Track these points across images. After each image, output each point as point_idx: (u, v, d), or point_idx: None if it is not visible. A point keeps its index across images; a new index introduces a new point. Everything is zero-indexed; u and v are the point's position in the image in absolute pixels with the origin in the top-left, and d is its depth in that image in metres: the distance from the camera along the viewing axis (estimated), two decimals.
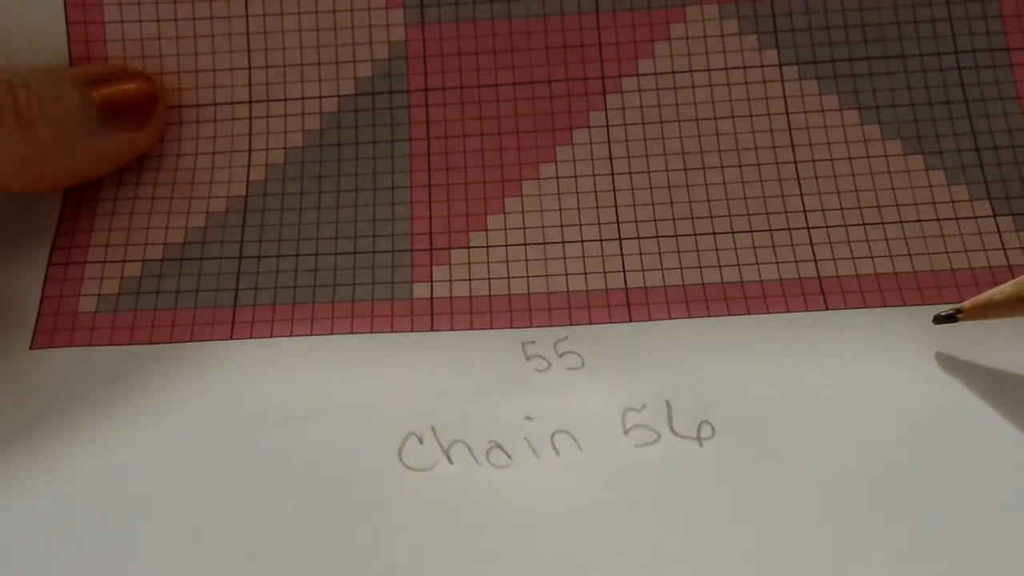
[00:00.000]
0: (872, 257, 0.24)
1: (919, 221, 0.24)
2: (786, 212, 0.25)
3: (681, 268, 0.24)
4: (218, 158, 0.26)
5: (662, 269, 0.24)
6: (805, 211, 0.25)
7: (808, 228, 0.24)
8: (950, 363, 0.22)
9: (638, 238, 0.25)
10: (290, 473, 0.21)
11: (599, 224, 0.25)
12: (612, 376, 0.23)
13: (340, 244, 0.25)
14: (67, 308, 0.24)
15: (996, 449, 0.21)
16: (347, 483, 0.21)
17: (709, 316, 0.23)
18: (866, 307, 0.23)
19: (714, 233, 0.25)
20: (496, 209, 0.25)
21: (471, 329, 0.24)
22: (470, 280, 0.24)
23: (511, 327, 0.24)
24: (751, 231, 0.24)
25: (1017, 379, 0.22)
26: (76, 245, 0.25)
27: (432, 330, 0.24)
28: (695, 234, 0.25)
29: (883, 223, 0.24)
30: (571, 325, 0.24)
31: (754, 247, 0.24)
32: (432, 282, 0.24)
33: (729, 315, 0.23)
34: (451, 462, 0.21)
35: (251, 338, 0.23)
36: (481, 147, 0.26)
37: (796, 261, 0.24)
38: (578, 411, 0.22)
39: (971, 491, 0.20)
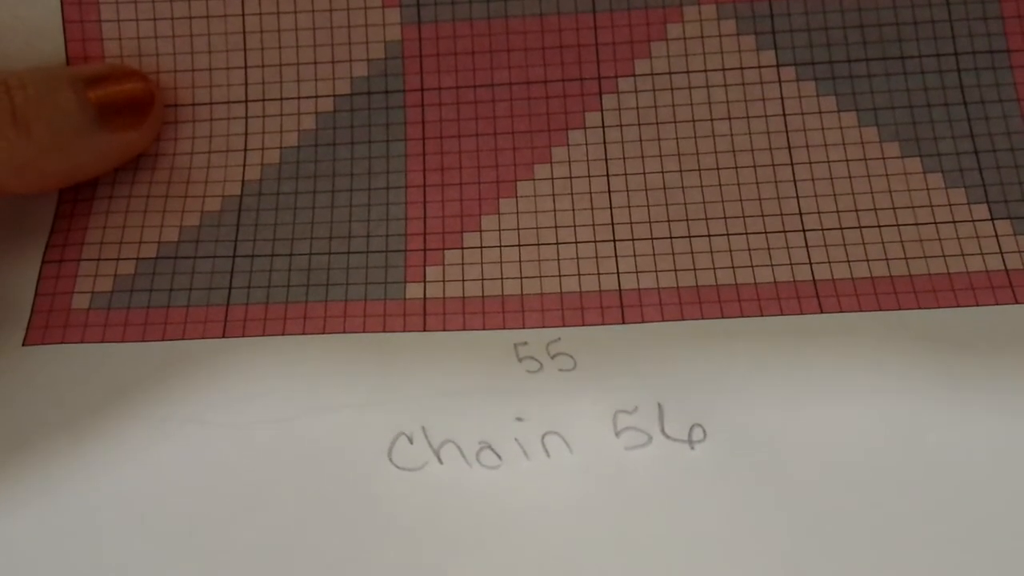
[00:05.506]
0: (868, 260, 0.24)
1: (916, 224, 0.24)
2: (782, 214, 0.24)
3: (675, 270, 0.24)
4: (214, 157, 0.26)
5: (656, 271, 0.24)
6: (801, 213, 0.24)
7: (804, 231, 0.24)
8: (943, 367, 0.22)
9: (632, 239, 0.24)
10: (280, 472, 0.21)
11: (593, 225, 0.25)
12: (604, 378, 0.22)
13: (334, 244, 0.25)
14: (60, 305, 0.24)
15: (989, 453, 0.21)
16: (337, 482, 0.21)
17: (703, 318, 0.23)
18: (861, 310, 0.23)
19: (709, 235, 0.24)
20: (491, 209, 0.25)
21: (463, 330, 0.23)
22: (463, 281, 0.24)
23: (504, 328, 0.23)
24: (746, 233, 0.24)
25: (1007, 383, 0.22)
26: (71, 243, 0.25)
27: (424, 330, 0.24)
28: (690, 236, 0.24)
29: (879, 226, 0.24)
30: (564, 326, 0.23)
31: (749, 249, 0.24)
32: (425, 282, 0.24)
33: (723, 318, 0.23)
34: (441, 462, 0.21)
35: (243, 337, 0.23)
36: (476, 147, 0.26)
37: (791, 264, 0.24)
38: (569, 413, 0.22)
39: (964, 495, 0.20)
